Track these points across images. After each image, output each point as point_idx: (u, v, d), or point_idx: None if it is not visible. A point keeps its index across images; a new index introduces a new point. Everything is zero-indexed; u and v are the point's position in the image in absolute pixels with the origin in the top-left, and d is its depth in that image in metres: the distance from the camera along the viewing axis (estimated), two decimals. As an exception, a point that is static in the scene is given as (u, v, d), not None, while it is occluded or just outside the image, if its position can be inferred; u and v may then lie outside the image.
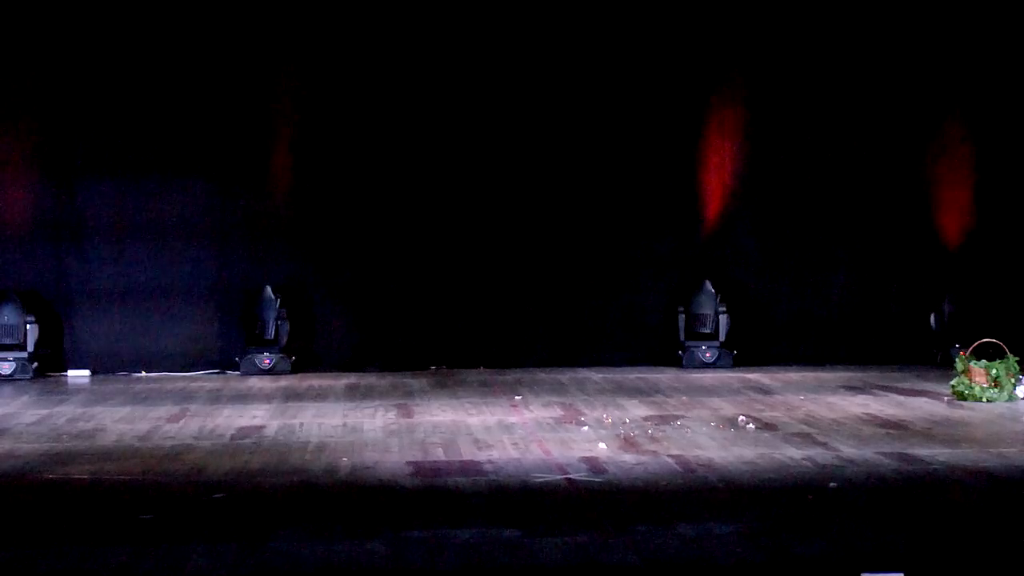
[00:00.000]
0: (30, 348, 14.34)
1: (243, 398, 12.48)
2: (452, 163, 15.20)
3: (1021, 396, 11.84)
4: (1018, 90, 15.33)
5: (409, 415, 11.11)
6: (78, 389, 13.58)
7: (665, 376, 13.96)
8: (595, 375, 14.06)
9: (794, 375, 13.96)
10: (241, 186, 14.97)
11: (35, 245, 14.86)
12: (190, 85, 14.88)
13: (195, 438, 9.98)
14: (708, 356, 14.82)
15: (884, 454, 8.96)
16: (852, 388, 12.76)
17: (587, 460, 8.77)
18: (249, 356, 14.65)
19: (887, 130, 15.43)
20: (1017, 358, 11.94)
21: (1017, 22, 15.19)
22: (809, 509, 7.47)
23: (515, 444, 9.47)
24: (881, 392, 12.47)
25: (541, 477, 8.22)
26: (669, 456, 8.93)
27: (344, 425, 10.56)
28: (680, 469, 8.51)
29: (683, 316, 14.97)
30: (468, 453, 9.12)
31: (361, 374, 14.27)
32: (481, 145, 15.21)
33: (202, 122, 14.89)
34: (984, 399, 11.71)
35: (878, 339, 15.27)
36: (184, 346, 14.95)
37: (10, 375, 14.18)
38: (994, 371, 11.84)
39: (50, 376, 14.50)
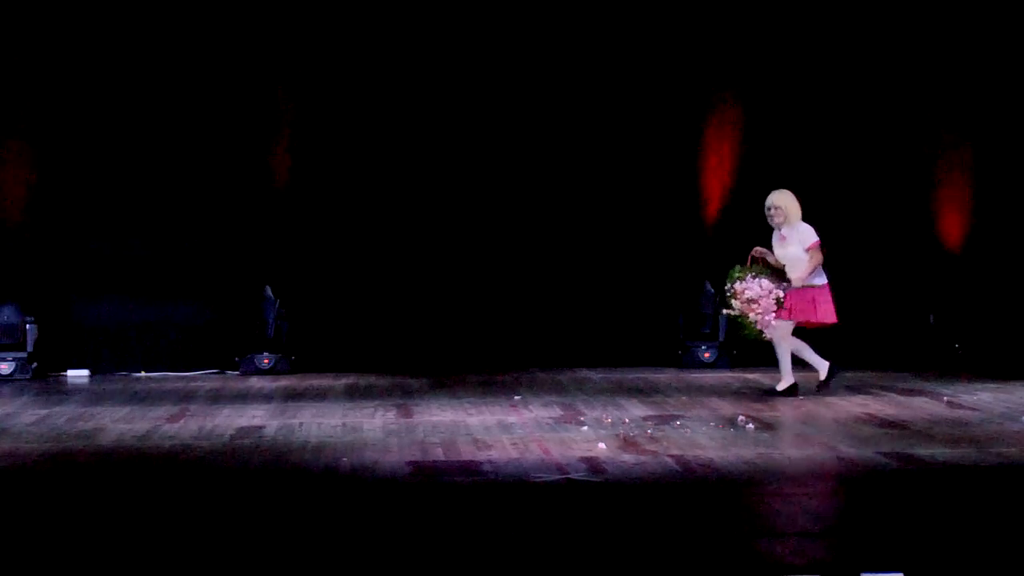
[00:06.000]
0: (29, 348, 14.34)
1: (243, 398, 12.47)
2: (452, 163, 15.21)
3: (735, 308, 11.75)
4: (1018, 91, 15.33)
5: (408, 415, 11.11)
6: (77, 389, 13.58)
7: (665, 376, 13.96)
8: (595, 375, 14.05)
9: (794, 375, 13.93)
10: (242, 185, 14.97)
11: (35, 244, 14.86)
12: (193, 84, 14.89)
13: (195, 438, 9.97)
14: (707, 356, 14.82)
15: (884, 454, 8.96)
16: (852, 388, 12.75)
17: (586, 460, 8.77)
18: (249, 356, 14.65)
19: (887, 131, 15.43)
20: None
21: (1016, 24, 15.19)
22: (809, 509, 7.46)
23: (514, 444, 9.46)
24: (881, 392, 12.46)
25: (541, 477, 8.22)
26: (669, 456, 8.92)
27: (343, 425, 10.56)
28: (679, 469, 8.51)
29: (683, 316, 14.98)
30: (468, 453, 9.12)
31: (361, 374, 14.27)
32: (482, 146, 15.22)
33: (203, 121, 14.90)
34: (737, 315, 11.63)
35: (878, 340, 15.25)
36: (184, 346, 14.96)
37: (9, 375, 14.18)
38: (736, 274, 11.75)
39: (49, 376, 14.50)
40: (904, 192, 15.50)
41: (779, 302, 11.66)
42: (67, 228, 14.93)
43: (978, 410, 11.20)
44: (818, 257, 11.86)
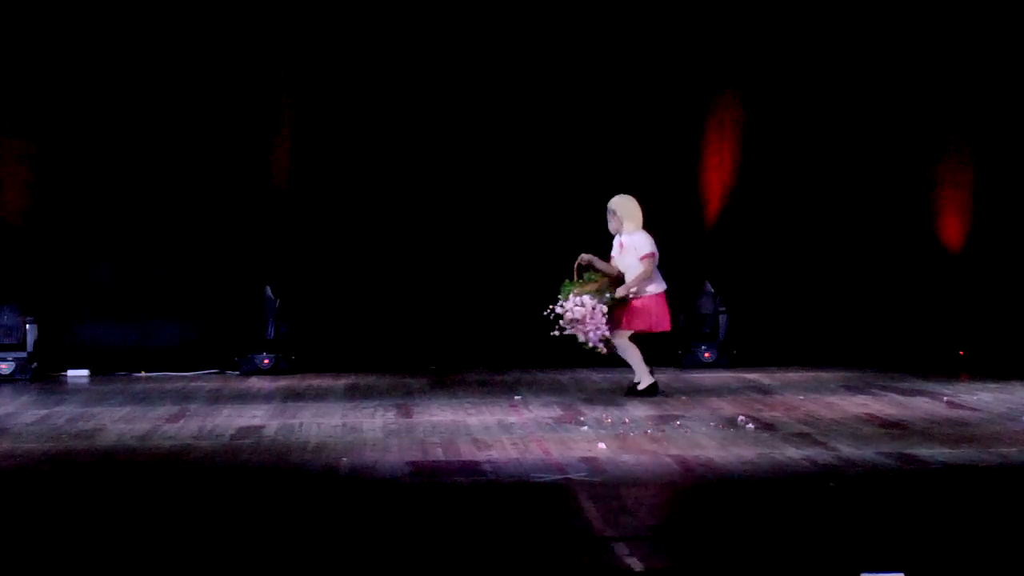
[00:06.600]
0: (29, 348, 14.34)
1: (242, 398, 12.47)
2: (451, 163, 15.21)
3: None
4: (1018, 92, 15.33)
5: (408, 415, 11.10)
6: (77, 389, 13.57)
7: (665, 376, 13.94)
8: (595, 375, 14.05)
9: (794, 375, 13.95)
10: (242, 186, 14.97)
11: (35, 244, 14.86)
12: (193, 85, 14.90)
13: (195, 438, 9.97)
14: (708, 356, 14.82)
15: (884, 454, 8.95)
16: (852, 388, 12.74)
17: (586, 460, 8.76)
18: (249, 356, 14.65)
19: (888, 130, 15.44)
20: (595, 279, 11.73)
21: (1017, 26, 15.19)
22: (809, 509, 7.46)
23: (514, 444, 9.46)
24: (881, 392, 12.46)
25: (541, 477, 8.21)
26: (669, 456, 8.92)
27: (343, 425, 10.56)
28: (680, 469, 8.51)
29: (683, 316, 14.97)
30: (468, 453, 9.11)
31: (361, 374, 14.26)
32: (482, 146, 15.23)
33: (203, 121, 14.90)
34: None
35: (878, 339, 15.26)
36: (184, 346, 14.96)
37: (9, 375, 14.18)
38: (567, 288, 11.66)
39: (49, 376, 14.49)
40: (904, 192, 15.50)
41: (605, 314, 11.66)
42: (67, 228, 14.93)
43: (978, 410, 11.19)
44: (649, 268, 11.86)
